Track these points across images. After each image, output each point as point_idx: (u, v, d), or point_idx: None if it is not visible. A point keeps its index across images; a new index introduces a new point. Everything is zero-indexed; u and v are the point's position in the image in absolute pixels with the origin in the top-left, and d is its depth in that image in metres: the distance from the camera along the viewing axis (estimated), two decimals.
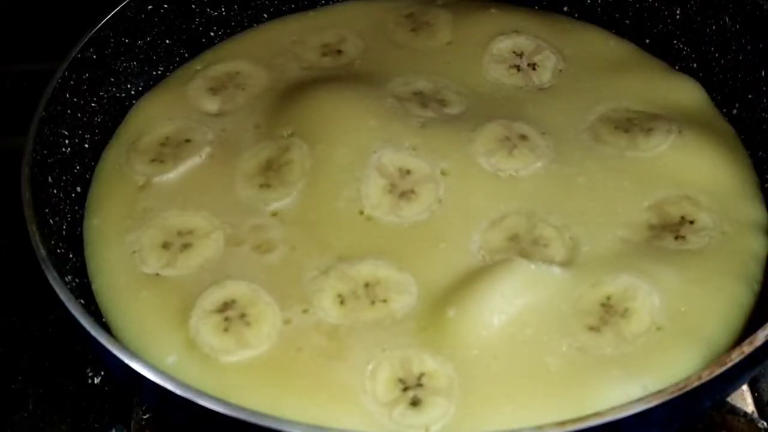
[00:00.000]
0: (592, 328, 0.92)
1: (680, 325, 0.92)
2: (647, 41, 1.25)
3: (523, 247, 1.00)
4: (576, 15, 1.30)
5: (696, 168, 1.06)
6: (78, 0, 1.30)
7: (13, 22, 1.50)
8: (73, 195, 1.09)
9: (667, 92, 1.16)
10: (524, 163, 1.07)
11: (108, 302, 1.00)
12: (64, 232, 1.04)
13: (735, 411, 1.04)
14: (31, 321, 1.17)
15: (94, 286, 1.01)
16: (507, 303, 0.93)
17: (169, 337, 0.95)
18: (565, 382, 0.89)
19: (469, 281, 0.96)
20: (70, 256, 1.03)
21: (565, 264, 0.98)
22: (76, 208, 1.09)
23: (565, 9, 1.31)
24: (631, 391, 0.87)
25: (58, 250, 1.00)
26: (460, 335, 0.92)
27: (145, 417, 1.03)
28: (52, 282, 0.90)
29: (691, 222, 1.02)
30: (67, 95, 1.11)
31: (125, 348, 0.86)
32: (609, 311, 0.93)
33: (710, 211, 1.03)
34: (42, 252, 0.92)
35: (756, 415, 1.07)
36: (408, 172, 1.06)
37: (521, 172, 1.07)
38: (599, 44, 1.24)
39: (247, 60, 1.24)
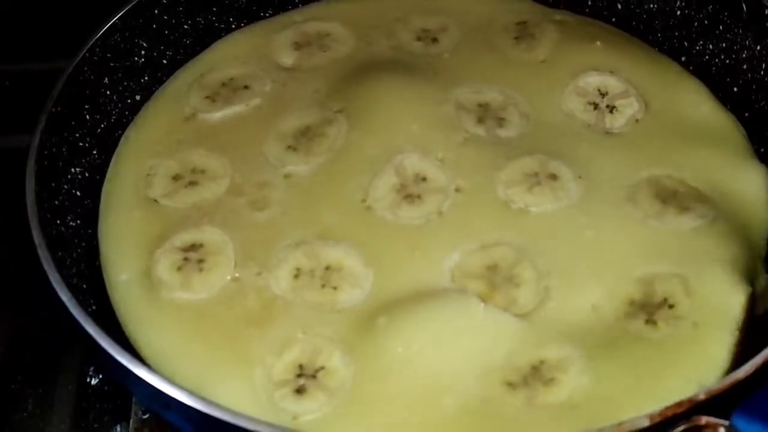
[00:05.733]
0: (509, 384, 0.91)
1: (595, 409, 0.89)
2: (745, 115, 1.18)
3: (494, 280, 0.98)
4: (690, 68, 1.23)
5: (705, 253, 1.00)
6: (79, 1, 1.35)
7: (13, 21, 1.53)
8: (129, 101, 1.18)
9: (732, 178, 1.09)
10: (539, 201, 1.05)
11: (108, 206, 1.08)
12: (99, 130, 1.13)
13: None
14: (31, 321, 1.18)
15: (104, 187, 1.10)
16: (436, 332, 0.93)
17: (134, 258, 1.02)
18: (448, 424, 0.89)
19: (417, 297, 0.96)
20: (94, 153, 1.12)
21: (524, 314, 0.96)
22: (127, 113, 1.17)
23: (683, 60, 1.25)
24: None
25: (80, 143, 1.09)
26: (377, 344, 0.93)
27: (144, 416, 1.05)
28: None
29: (671, 306, 0.96)
30: (156, 11, 1.20)
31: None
32: (535, 375, 0.91)
33: (694, 296, 0.96)
34: (35, 139, 1.00)
35: None
36: (424, 179, 1.07)
37: (532, 209, 1.05)
38: (692, 106, 1.17)
39: (343, 24, 1.26)
